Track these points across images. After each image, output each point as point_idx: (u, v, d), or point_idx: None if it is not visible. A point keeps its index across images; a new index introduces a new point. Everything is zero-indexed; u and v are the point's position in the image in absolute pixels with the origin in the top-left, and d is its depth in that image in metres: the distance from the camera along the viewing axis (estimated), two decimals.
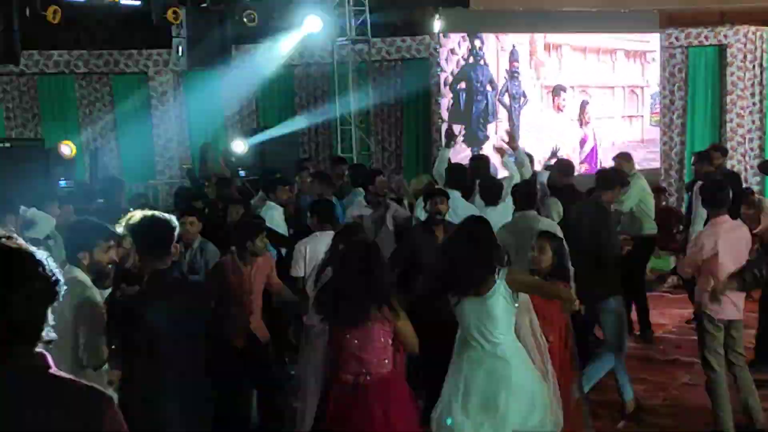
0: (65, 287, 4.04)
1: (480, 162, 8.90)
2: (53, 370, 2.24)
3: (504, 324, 4.49)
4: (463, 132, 12.43)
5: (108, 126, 14.54)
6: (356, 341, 4.38)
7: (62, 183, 10.76)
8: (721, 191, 5.93)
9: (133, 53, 14.53)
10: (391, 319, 4.37)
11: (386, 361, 4.45)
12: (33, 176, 10.03)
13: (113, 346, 4.14)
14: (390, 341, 4.47)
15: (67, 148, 11.47)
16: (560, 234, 6.14)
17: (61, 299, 2.44)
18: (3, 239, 2.42)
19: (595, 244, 6.48)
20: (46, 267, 2.29)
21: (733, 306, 5.71)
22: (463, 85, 12.54)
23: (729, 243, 5.71)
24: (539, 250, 5.29)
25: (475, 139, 12.46)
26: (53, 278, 2.31)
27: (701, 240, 5.80)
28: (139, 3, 11.31)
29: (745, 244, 5.88)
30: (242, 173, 11.84)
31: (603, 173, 6.84)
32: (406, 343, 4.50)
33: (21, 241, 2.54)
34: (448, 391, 4.62)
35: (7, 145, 10.61)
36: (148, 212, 4.30)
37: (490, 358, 4.50)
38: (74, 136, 13.73)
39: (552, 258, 5.27)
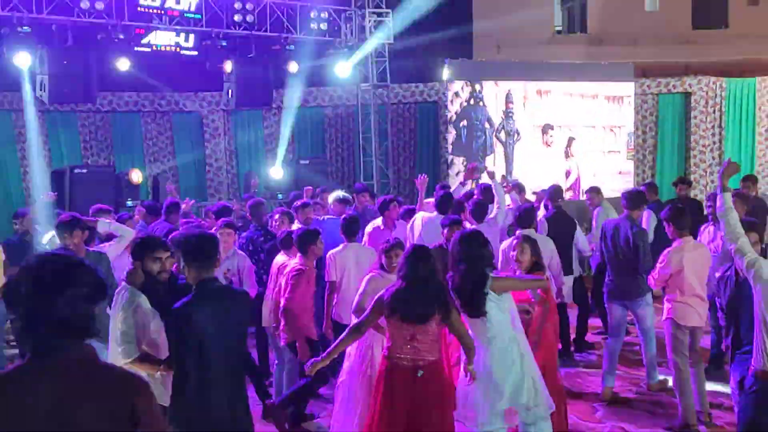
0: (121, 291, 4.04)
1: (487, 192, 8.81)
2: (98, 359, 2.30)
3: (498, 323, 4.56)
4: (464, 163, 12.51)
5: (168, 156, 14.63)
6: (416, 335, 4.44)
7: (129, 204, 10.80)
8: (684, 216, 5.91)
9: (190, 95, 14.62)
10: (444, 317, 4.45)
11: (436, 350, 4.54)
12: (105, 198, 10.07)
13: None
14: (439, 334, 4.58)
15: (135, 175, 11.52)
16: (551, 246, 6.70)
17: (109, 299, 2.48)
18: (61, 251, 2.46)
19: (633, 253, 6.42)
20: (93, 273, 2.32)
21: (698, 315, 5.66)
22: (464, 123, 12.66)
23: (692, 260, 5.69)
24: (521, 251, 5.41)
25: (475, 169, 12.43)
26: (100, 282, 2.33)
27: (669, 257, 5.76)
28: (196, 53, 11.40)
29: (706, 261, 5.84)
30: (280, 195, 11.90)
31: (630, 195, 6.74)
32: (459, 337, 4.55)
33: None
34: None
35: (84, 171, 10.69)
36: (195, 230, 4.35)
37: (493, 349, 4.58)
38: (140, 164, 13.85)
39: (531, 257, 5.41)
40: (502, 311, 4.59)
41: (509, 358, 4.60)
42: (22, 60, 9.73)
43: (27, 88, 10.66)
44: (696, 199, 11.61)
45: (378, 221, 7.98)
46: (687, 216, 6.00)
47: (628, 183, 13.56)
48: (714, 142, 14.91)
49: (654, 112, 15.04)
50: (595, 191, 9.16)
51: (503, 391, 4.54)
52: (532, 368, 4.70)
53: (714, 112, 14.88)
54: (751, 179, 9.68)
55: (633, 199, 6.76)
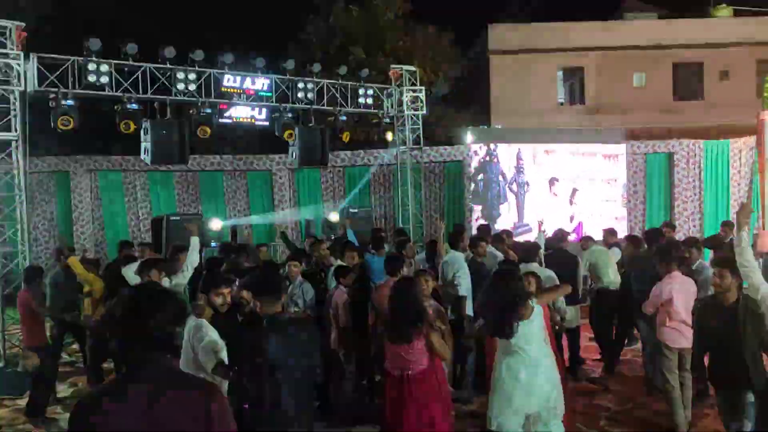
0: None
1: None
2: (180, 370, 2.38)
3: (531, 333, 4.54)
4: (483, 211, 12.60)
5: (244, 206, 14.81)
6: (403, 349, 4.39)
7: (213, 244, 10.95)
8: (671, 254, 5.82)
9: (262, 157, 14.88)
10: (425, 334, 4.37)
11: (424, 360, 4.41)
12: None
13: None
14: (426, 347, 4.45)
15: (216, 223, 11.67)
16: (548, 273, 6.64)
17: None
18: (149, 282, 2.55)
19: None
20: (177, 299, 2.39)
21: (685, 338, 5.52)
22: (481, 176, 12.71)
23: (681, 291, 5.58)
24: (527, 282, 5.33)
25: (491, 215, 12.60)
26: (183, 307, 2.39)
27: (660, 288, 5.64)
28: (267, 123, 11.59)
29: (692, 293, 5.71)
30: (333, 237, 11.94)
31: (661, 248, 6.30)
32: (435, 351, 4.41)
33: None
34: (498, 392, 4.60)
35: (177, 218, 10.87)
36: (261, 269, 4.34)
37: (528, 358, 4.52)
38: (222, 212, 14.07)
39: (537, 285, 5.47)
40: (534, 323, 4.57)
41: (541, 364, 4.54)
42: (133, 130, 9.98)
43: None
44: (680, 240, 11.36)
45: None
46: (674, 254, 5.91)
47: (622, 227, 13.40)
48: (695, 194, 14.69)
49: (643, 169, 14.87)
50: (608, 232, 8.91)
51: (532, 394, 4.48)
52: (557, 372, 4.68)
53: (694, 168, 14.70)
54: (728, 224, 9.49)
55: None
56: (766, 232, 11.43)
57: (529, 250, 7.21)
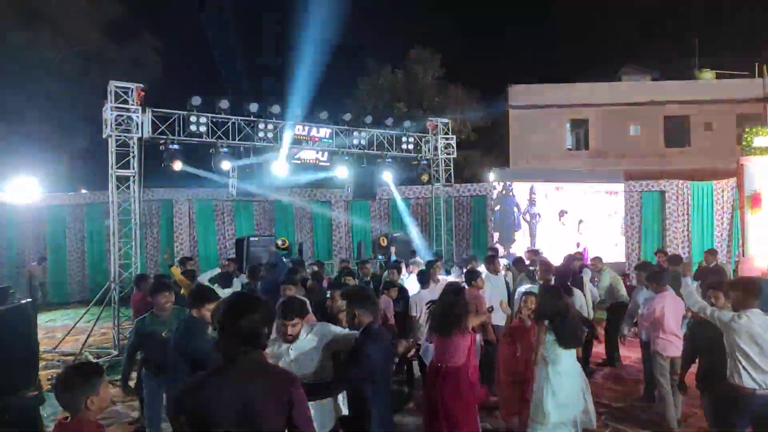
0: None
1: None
2: (267, 361, 2.35)
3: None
4: (499, 236, 12.43)
5: (307, 229, 14.94)
6: (444, 342, 4.27)
7: (284, 260, 11.01)
8: (663, 276, 5.64)
9: (324, 190, 15.05)
10: (465, 332, 4.28)
11: (460, 357, 4.24)
12: (267, 257, 10.33)
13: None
14: (465, 345, 4.30)
15: (281, 241, 11.75)
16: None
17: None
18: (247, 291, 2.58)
19: None
20: (266, 304, 2.38)
21: (675, 347, 5.31)
22: (498, 207, 12.51)
23: (671, 308, 5.39)
24: (524, 303, 5.05)
25: (507, 240, 12.36)
26: (271, 310, 2.40)
27: (654, 305, 5.46)
28: (328, 164, 11.74)
29: (681, 309, 5.50)
30: (380, 257, 11.92)
31: (654, 273, 5.93)
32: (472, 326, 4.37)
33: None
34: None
35: (256, 239, 11.02)
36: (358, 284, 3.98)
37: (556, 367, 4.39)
38: (291, 234, 14.25)
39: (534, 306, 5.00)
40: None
41: (575, 371, 4.43)
42: (224, 168, 10.26)
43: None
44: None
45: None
46: (665, 276, 5.73)
47: (621, 254, 13.07)
48: (683, 226, 14.24)
49: (639, 204, 14.49)
50: (598, 260, 8.42)
51: (573, 397, 4.36)
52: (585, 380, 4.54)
53: (683, 205, 14.27)
54: (711, 252, 9.16)
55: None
56: (747, 259, 11.01)
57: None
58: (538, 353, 4.45)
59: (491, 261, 7.15)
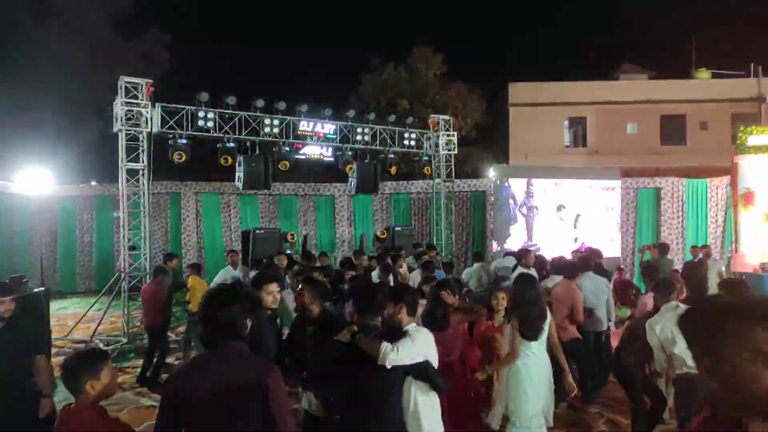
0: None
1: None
2: (248, 352, 2.29)
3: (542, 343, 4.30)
4: (492, 230, 12.19)
5: (312, 223, 14.87)
6: (438, 336, 4.12)
7: (288, 251, 10.99)
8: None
9: (327, 185, 15.02)
10: (455, 328, 4.15)
11: (455, 351, 4.11)
12: (273, 248, 10.30)
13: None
14: (458, 342, 4.16)
15: (290, 236, 11.78)
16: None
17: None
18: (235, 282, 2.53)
19: None
20: (249, 296, 2.35)
21: None
22: (492, 199, 12.23)
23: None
24: (495, 298, 4.87)
25: (501, 235, 11.91)
26: (252, 302, 2.36)
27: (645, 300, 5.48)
28: (332, 159, 11.75)
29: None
30: (380, 250, 11.86)
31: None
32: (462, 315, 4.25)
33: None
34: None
35: (261, 231, 10.96)
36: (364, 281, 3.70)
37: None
38: (295, 227, 14.24)
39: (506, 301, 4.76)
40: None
41: (546, 369, 4.29)
42: (230, 162, 10.25)
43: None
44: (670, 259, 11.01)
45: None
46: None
47: (617, 248, 13.05)
48: (678, 222, 14.22)
49: (634, 201, 14.47)
50: (596, 253, 8.44)
51: (542, 393, 4.21)
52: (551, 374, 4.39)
53: (677, 201, 14.24)
54: (695, 248, 9.31)
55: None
56: (739, 255, 11.03)
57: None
58: (516, 348, 4.19)
59: (525, 255, 7.05)
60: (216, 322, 2.22)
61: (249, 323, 2.31)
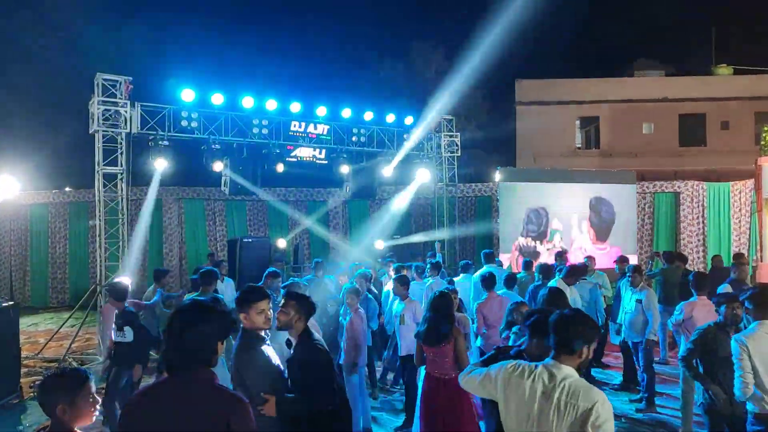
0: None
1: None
2: (215, 382, 2.12)
3: None
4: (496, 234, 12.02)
5: (304, 230, 14.89)
6: (433, 351, 4.32)
7: (279, 262, 10.99)
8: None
9: (321, 190, 15.03)
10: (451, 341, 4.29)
11: (453, 367, 4.27)
12: (262, 258, 10.30)
13: None
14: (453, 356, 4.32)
15: (282, 242, 11.78)
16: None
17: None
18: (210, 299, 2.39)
19: None
20: (224, 316, 2.18)
21: None
22: (497, 201, 12.08)
23: (702, 312, 5.36)
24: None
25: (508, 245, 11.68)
26: (227, 324, 2.20)
27: (683, 308, 5.54)
28: (326, 161, 11.74)
29: (709, 313, 5.44)
30: (379, 259, 11.87)
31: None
32: (459, 354, 4.30)
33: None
34: None
35: (249, 240, 10.95)
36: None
37: None
38: (285, 235, 14.21)
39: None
40: None
41: None
42: (216, 166, 10.26)
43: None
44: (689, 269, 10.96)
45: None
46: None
47: (633, 255, 12.99)
48: (699, 229, 14.20)
49: (651, 207, 14.48)
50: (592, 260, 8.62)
51: None
52: None
53: (698, 207, 14.24)
54: (715, 258, 9.37)
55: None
56: (765, 264, 11.04)
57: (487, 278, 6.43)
58: None
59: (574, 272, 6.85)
60: (182, 345, 2.07)
61: (221, 348, 2.15)
